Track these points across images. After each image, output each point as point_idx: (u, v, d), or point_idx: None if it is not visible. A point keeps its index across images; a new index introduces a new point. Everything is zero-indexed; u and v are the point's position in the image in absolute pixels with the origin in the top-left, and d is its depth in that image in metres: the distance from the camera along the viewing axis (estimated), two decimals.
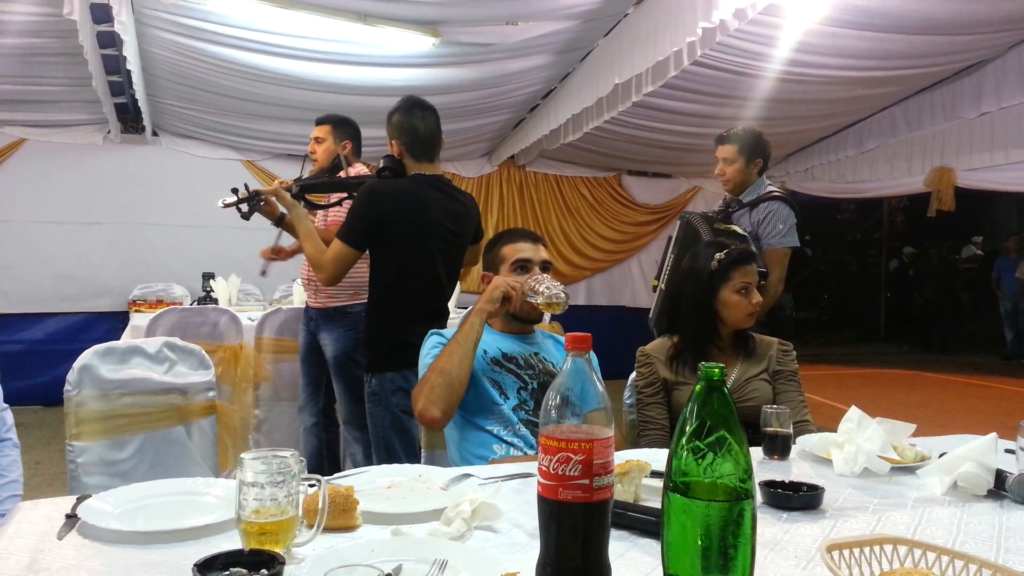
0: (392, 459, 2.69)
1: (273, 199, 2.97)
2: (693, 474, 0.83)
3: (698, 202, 8.99)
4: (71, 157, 6.69)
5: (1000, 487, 1.48)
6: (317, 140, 3.65)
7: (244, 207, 2.98)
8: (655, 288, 3.54)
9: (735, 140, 3.48)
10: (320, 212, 3.48)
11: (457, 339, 2.02)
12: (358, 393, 3.50)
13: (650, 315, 3.56)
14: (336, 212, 3.35)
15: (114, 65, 5.46)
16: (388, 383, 2.71)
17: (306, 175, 3.69)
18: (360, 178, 3.16)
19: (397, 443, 2.72)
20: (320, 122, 3.69)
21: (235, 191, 2.99)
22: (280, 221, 3.12)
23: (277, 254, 3.79)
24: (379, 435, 2.76)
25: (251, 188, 3.01)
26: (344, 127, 3.67)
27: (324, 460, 3.71)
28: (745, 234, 3.25)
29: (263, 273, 3.65)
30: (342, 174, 3.45)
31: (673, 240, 3.44)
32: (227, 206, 3.00)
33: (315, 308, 3.53)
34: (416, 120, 2.82)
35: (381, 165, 2.84)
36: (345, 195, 3.15)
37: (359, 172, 3.52)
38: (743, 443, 0.84)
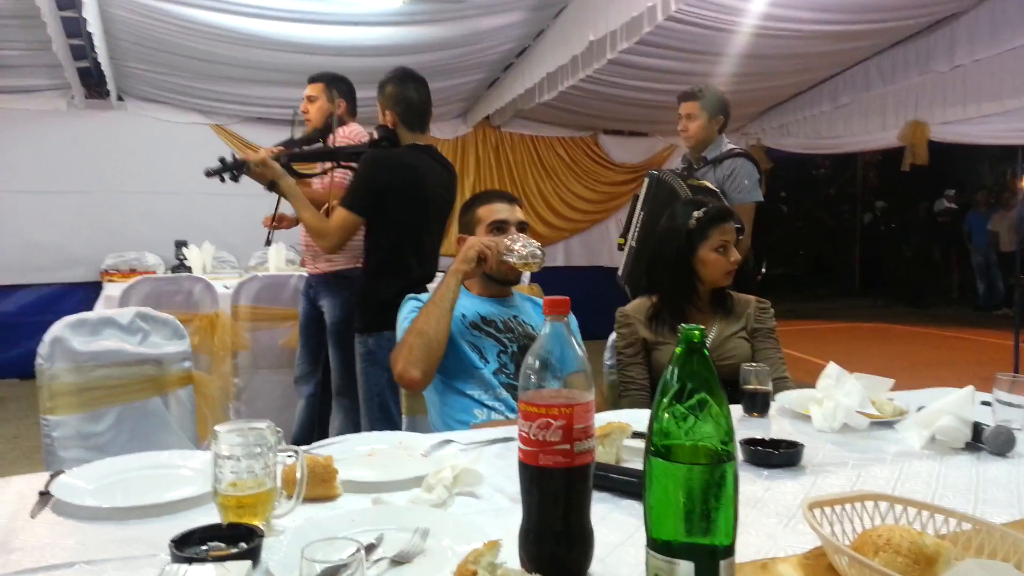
0: (386, 419, 2.71)
1: (260, 169, 2.87)
2: (674, 437, 0.82)
3: (675, 160, 8.96)
4: (35, 124, 6.53)
5: (977, 440, 1.49)
6: (310, 99, 3.53)
7: (227, 175, 2.91)
8: (621, 246, 3.59)
9: (698, 97, 3.54)
10: (316, 180, 3.39)
11: (434, 300, 2.01)
12: (353, 361, 3.47)
13: (619, 272, 3.60)
14: (341, 175, 3.26)
15: (75, 28, 5.29)
16: (385, 342, 2.72)
17: (299, 135, 3.61)
18: (350, 148, 3.08)
19: (392, 402, 2.72)
20: (313, 80, 3.56)
21: (222, 160, 2.92)
22: (273, 186, 3.08)
23: (280, 222, 3.72)
24: (373, 394, 2.76)
25: (237, 157, 2.93)
26: (338, 85, 3.55)
27: (316, 428, 3.68)
28: (716, 190, 3.28)
29: (268, 243, 3.58)
30: (331, 141, 3.37)
31: (642, 199, 3.46)
32: (211, 175, 2.93)
33: (315, 275, 3.48)
34: (410, 91, 2.89)
35: (376, 136, 2.87)
36: (333, 164, 3.06)
37: (353, 131, 3.43)
38: (724, 405, 0.83)
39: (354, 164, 3.01)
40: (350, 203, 2.76)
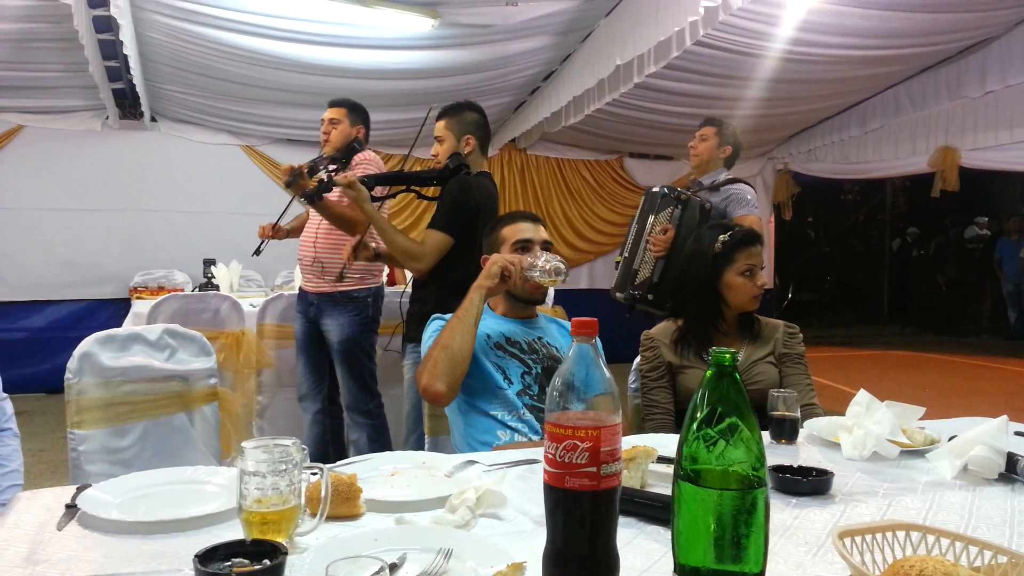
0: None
1: (350, 193, 2.86)
2: (704, 462, 0.81)
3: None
4: (70, 143, 6.66)
5: (1011, 470, 1.46)
6: (332, 122, 3.58)
7: (316, 198, 3.03)
8: (618, 264, 3.75)
9: (716, 123, 3.83)
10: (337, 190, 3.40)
11: (457, 315, 2.01)
12: (363, 379, 3.49)
13: (612, 287, 3.75)
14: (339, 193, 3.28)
15: (111, 50, 5.42)
16: None
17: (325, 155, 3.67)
18: (423, 173, 3.14)
19: None
20: (334, 104, 3.64)
21: (320, 183, 3.03)
22: (312, 200, 3.16)
23: (276, 233, 3.76)
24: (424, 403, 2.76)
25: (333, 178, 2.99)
26: (358, 112, 3.64)
27: (329, 447, 3.70)
28: (706, 201, 3.51)
29: (257, 252, 3.60)
30: (352, 165, 3.41)
31: (637, 214, 3.65)
32: (305, 196, 3.06)
33: (317, 293, 3.50)
34: (484, 118, 3.11)
35: (453, 164, 2.96)
36: (403, 188, 3.11)
37: (371, 158, 3.49)
38: (755, 429, 0.82)
39: (421, 189, 3.12)
40: (446, 226, 2.87)
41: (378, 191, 3.05)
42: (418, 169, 3.43)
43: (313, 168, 3.42)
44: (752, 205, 3.59)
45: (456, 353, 1.95)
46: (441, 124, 3.07)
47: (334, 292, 3.44)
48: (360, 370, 3.49)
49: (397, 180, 3.10)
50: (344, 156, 3.51)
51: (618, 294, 3.66)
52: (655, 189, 3.61)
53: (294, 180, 3.20)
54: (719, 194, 3.62)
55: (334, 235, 3.43)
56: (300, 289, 3.67)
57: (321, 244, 3.48)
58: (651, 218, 3.52)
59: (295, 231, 3.83)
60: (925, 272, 13.18)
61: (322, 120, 3.62)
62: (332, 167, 3.52)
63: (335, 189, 2.98)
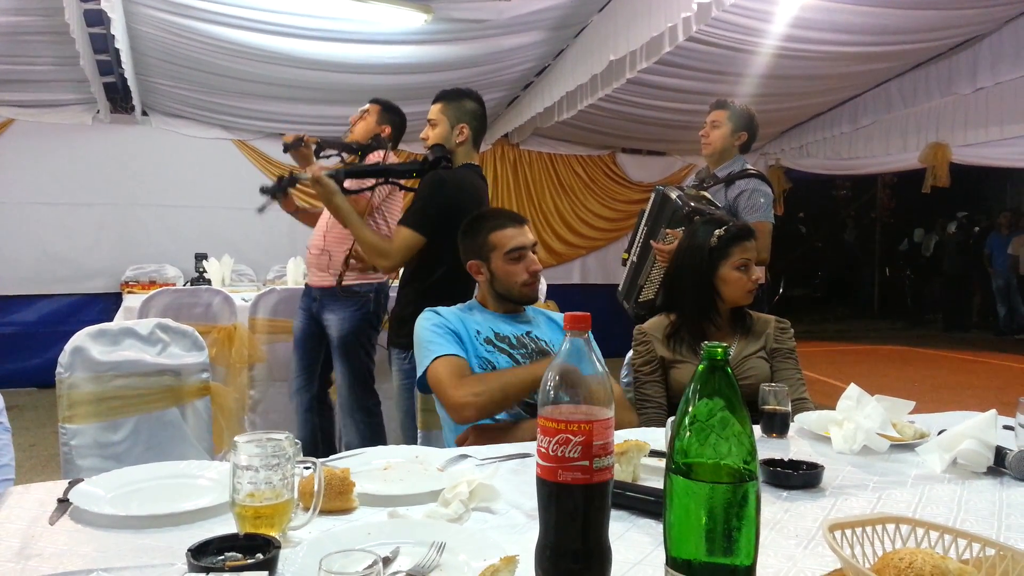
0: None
1: (314, 188, 2.79)
2: (696, 456, 0.82)
3: (691, 179, 8.96)
4: (60, 137, 6.62)
5: (1000, 464, 1.47)
6: (363, 113, 3.58)
7: (281, 194, 2.90)
8: (624, 261, 3.54)
9: (728, 107, 3.54)
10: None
11: (525, 386, 1.92)
12: (362, 375, 3.48)
13: (619, 288, 3.55)
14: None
15: (102, 44, 5.39)
16: None
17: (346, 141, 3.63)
18: (402, 165, 3.03)
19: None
20: (372, 101, 3.64)
21: (279, 178, 2.88)
22: (271, 192, 3.03)
23: (295, 211, 3.66)
24: (416, 411, 2.72)
25: (294, 175, 2.88)
26: (391, 113, 3.61)
27: (319, 444, 3.69)
28: (713, 199, 3.27)
29: (261, 210, 3.43)
30: (376, 157, 3.35)
31: (646, 214, 3.42)
32: (265, 191, 2.88)
33: (320, 288, 3.48)
34: (484, 110, 2.98)
35: (433, 156, 2.84)
36: (382, 180, 3.04)
37: (383, 159, 3.40)
38: (747, 423, 0.82)
39: (401, 181, 3.02)
40: (416, 223, 2.74)
41: (352, 184, 2.95)
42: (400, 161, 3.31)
43: (321, 145, 3.39)
44: (764, 209, 3.33)
45: (501, 408, 1.93)
46: (436, 107, 2.95)
47: (335, 287, 3.42)
48: (359, 366, 3.48)
49: (374, 173, 3.00)
50: (361, 149, 3.47)
51: (625, 304, 3.52)
52: (672, 195, 3.26)
53: (294, 146, 3.16)
54: (733, 188, 3.39)
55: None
56: (305, 285, 3.65)
57: (331, 235, 3.43)
58: (662, 230, 3.24)
59: (305, 213, 3.78)
60: (916, 268, 13.23)
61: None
62: (345, 155, 3.48)
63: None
